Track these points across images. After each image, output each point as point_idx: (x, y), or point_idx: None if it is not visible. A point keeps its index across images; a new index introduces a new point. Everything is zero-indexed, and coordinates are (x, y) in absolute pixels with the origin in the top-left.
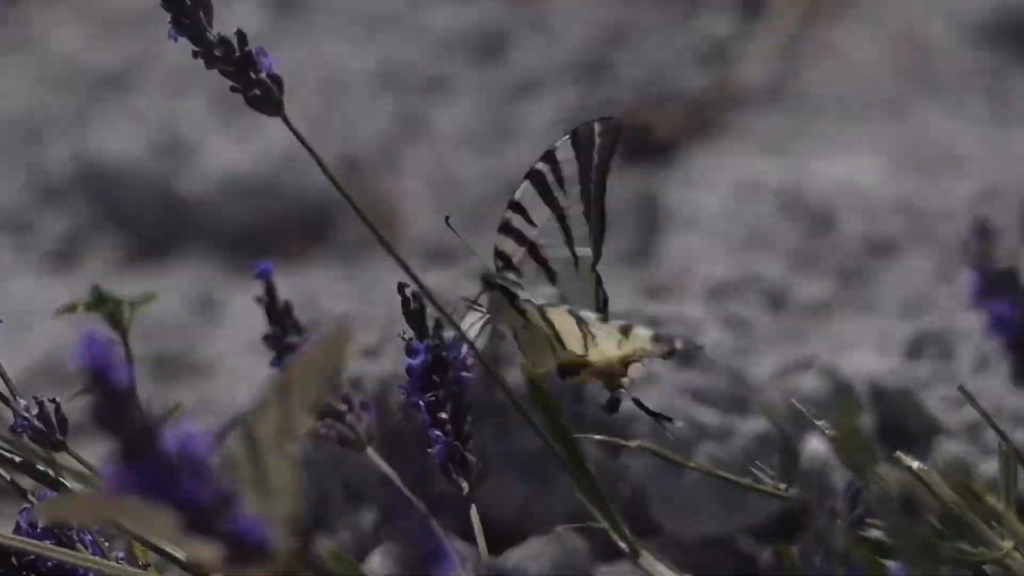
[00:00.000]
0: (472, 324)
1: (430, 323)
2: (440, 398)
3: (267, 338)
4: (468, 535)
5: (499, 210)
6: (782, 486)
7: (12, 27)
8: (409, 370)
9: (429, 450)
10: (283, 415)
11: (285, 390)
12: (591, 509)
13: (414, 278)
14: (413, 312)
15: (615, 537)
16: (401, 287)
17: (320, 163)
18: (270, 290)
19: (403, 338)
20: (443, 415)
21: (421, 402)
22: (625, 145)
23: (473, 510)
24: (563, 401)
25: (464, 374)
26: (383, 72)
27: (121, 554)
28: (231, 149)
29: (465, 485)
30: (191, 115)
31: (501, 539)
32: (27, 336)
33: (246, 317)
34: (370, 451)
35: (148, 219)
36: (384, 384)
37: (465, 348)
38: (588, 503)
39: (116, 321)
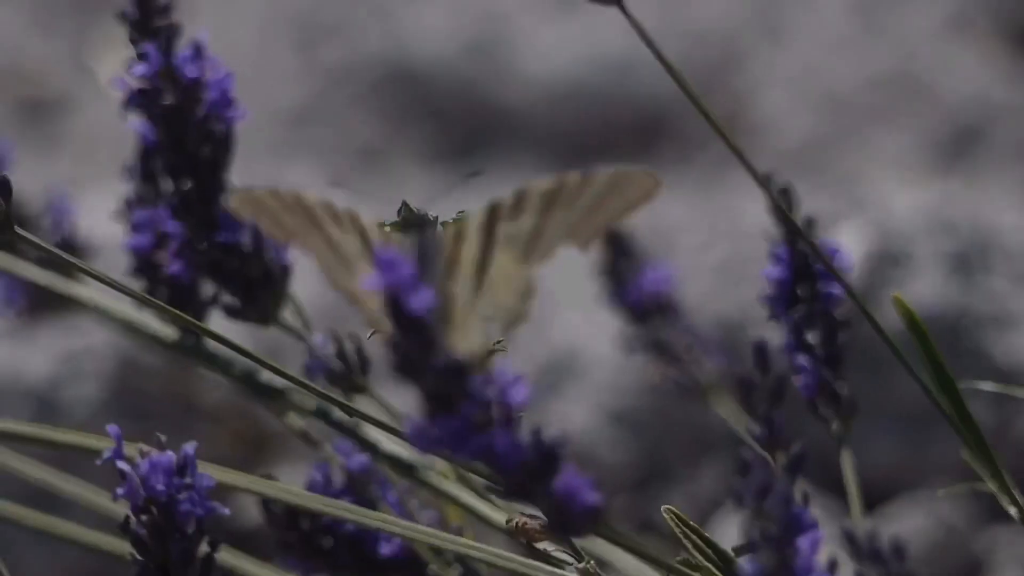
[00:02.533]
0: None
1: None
2: (807, 316)
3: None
4: (832, 487)
5: (869, 114)
6: None
7: None
8: (770, 280)
9: (793, 379)
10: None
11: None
12: (975, 468)
13: (767, 189)
14: (780, 209)
15: (1003, 501)
16: (765, 179)
17: (662, 59)
18: None
19: (765, 240)
20: (810, 338)
21: (784, 320)
22: None
23: (846, 454)
24: (942, 342)
25: (835, 291)
26: None
27: (432, 516)
28: (557, 43)
29: (836, 423)
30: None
31: (866, 498)
32: None
33: None
34: (715, 399)
35: (458, 124)
36: (734, 320)
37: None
38: (973, 461)
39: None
